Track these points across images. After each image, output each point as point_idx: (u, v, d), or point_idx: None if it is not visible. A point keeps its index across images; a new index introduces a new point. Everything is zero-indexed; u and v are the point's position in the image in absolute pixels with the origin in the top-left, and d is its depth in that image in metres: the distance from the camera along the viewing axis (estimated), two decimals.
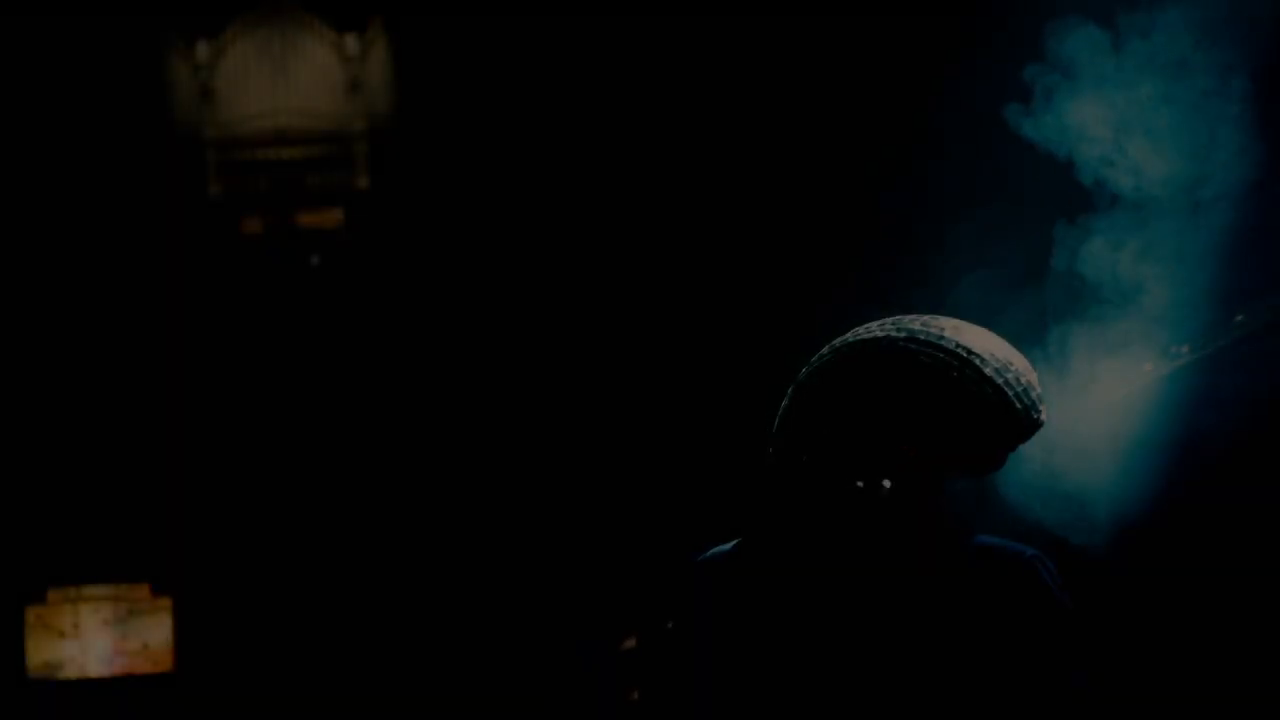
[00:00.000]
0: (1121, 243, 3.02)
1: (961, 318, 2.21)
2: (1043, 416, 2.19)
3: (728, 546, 2.23)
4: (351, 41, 10.85)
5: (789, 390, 2.25)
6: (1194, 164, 3.10)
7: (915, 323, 2.19)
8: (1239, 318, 3.97)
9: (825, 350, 2.24)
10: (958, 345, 2.15)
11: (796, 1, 9.26)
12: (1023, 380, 2.17)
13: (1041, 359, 3.34)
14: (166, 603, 9.18)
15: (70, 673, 8.93)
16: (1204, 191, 3.06)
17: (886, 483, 2.12)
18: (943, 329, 2.18)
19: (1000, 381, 2.14)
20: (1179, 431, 3.94)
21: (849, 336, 2.23)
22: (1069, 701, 2.01)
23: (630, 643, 7.12)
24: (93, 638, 8.97)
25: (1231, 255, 3.39)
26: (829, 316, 2.82)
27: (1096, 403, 3.33)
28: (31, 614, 8.95)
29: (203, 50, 10.72)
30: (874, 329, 2.21)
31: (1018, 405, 2.14)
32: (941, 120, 7.21)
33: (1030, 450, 2.25)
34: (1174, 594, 4.54)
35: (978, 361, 2.14)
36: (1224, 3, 3.17)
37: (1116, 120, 3.17)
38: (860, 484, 2.13)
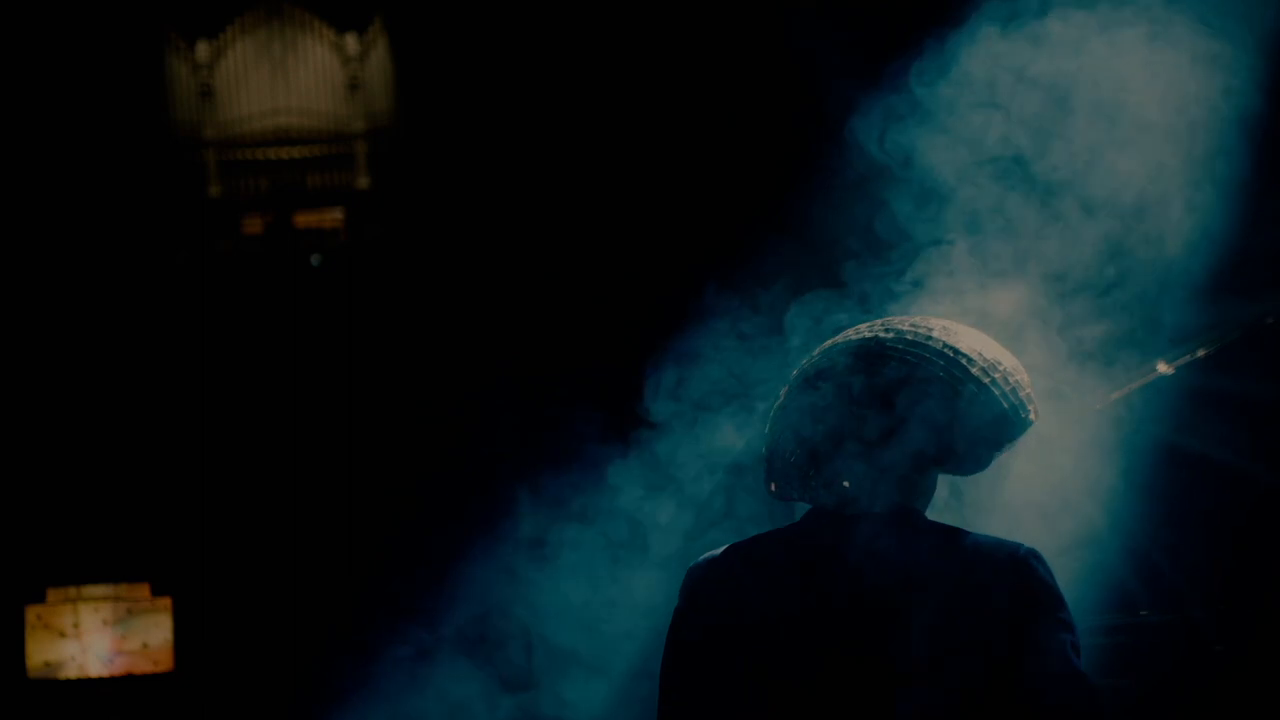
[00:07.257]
0: (1114, 242, 3.03)
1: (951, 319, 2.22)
2: (1032, 416, 2.20)
3: (719, 551, 2.23)
4: (351, 41, 10.86)
5: (780, 391, 2.26)
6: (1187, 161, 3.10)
7: (904, 323, 2.20)
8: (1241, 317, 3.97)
9: (816, 352, 2.25)
10: (945, 345, 2.16)
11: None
12: (1011, 380, 2.17)
13: (1035, 360, 3.33)
14: (166, 603, 9.15)
15: (70, 673, 8.91)
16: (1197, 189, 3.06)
17: (876, 481, 2.13)
18: (930, 329, 2.19)
19: (986, 380, 2.15)
20: (1175, 434, 3.93)
21: (839, 338, 2.25)
22: (1065, 696, 2.01)
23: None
24: (93, 638, 8.94)
25: (1226, 253, 3.39)
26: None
27: (1090, 406, 3.32)
28: (31, 614, 8.93)
29: (203, 50, 10.73)
30: (863, 330, 2.23)
31: (1004, 404, 2.15)
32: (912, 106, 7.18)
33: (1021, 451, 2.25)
34: (1172, 595, 4.53)
35: (964, 361, 2.15)
36: None
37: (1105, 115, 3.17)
38: (846, 484, 2.14)
